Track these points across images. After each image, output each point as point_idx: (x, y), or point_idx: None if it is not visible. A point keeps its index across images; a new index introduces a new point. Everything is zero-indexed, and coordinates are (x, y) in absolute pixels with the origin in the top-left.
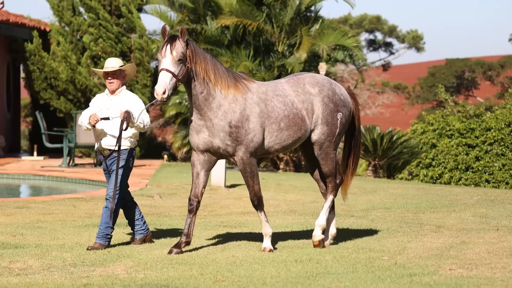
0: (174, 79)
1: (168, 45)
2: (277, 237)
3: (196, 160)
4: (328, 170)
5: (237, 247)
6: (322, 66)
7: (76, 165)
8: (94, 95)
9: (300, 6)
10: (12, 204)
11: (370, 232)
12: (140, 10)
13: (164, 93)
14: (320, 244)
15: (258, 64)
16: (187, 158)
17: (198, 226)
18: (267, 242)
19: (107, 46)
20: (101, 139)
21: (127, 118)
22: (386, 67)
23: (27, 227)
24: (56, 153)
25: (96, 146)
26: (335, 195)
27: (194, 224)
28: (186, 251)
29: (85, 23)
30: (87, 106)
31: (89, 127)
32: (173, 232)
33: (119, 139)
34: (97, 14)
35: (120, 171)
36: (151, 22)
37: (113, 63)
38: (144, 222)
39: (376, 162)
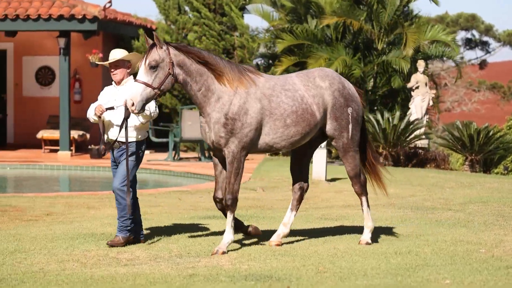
0: (149, 89)
1: (145, 55)
2: (377, 230)
3: (216, 159)
4: (351, 169)
5: (338, 240)
6: (421, 64)
7: (181, 159)
8: None
9: (399, 5)
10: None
11: (468, 225)
12: (242, 9)
13: (132, 105)
14: (367, 243)
15: (358, 61)
16: (289, 152)
17: (300, 219)
18: (222, 245)
19: (210, 43)
20: (109, 131)
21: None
22: (482, 65)
23: None
24: (162, 148)
25: (105, 138)
26: (366, 194)
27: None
28: (288, 243)
29: (190, 21)
30: (192, 102)
31: (96, 118)
32: (276, 224)
33: (122, 126)
34: (201, 13)
35: (129, 164)
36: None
37: (115, 54)
38: (132, 222)
39: (473, 157)
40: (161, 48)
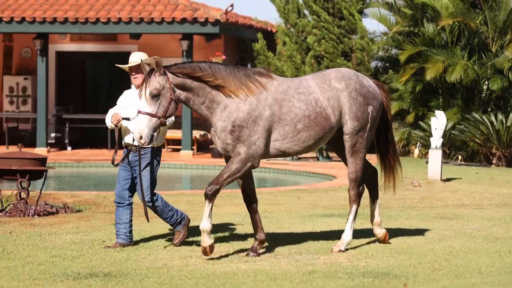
0: (154, 119)
1: (144, 84)
2: (490, 229)
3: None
4: (354, 170)
5: (453, 238)
6: None
7: (299, 158)
8: None
9: None
10: (240, 195)
11: None
12: (360, 12)
13: (141, 138)
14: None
15: (473, 63)
16: (405, 152)
17: (416, 218)
18: (203, 239)
19: (329, 46)
20: (125, 136)
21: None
22: None
23: None
24: None
25: (121, 143)
26: (358, 205)
27: (259, 219)
28: (405, 241)
29: (309, 24)
30: None
31: (113, 126)
32: (392, 223)
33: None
34: (320, 16)
35: (144, 171)
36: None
37: (135, 58)
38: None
39: None
40: (161, 74)
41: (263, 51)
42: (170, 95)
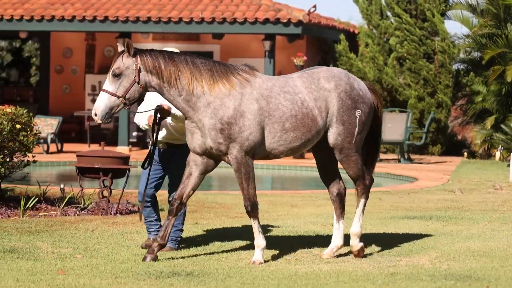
0: (113, 98)
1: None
2: None
3: (192, 160)
4: (353, 173)
5: None
6: None
7: (381, 160)
8: (399, 95)
9: None
10: (322, 196)
11: None
12: (443, 14)
13: (95, 115)
14: (360, 253)
15: None
16: (486, 156)
17: (498, 221)
18: (257, 254)
19: (412, 48)
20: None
21: (162, 111)
22: None
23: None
24: None
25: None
26: (366, 198)
27: (171, 227)
28: (486, 244)
29: (391, 26)
30: (393, 105)
31: (147, 127)
32: (474, 225)
33: (153, 130)
34: (402, 18)
35: (178, 168)
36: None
37: None
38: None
39: None
40: (129, 55)
41: (345, 52)
42: (135, 76)
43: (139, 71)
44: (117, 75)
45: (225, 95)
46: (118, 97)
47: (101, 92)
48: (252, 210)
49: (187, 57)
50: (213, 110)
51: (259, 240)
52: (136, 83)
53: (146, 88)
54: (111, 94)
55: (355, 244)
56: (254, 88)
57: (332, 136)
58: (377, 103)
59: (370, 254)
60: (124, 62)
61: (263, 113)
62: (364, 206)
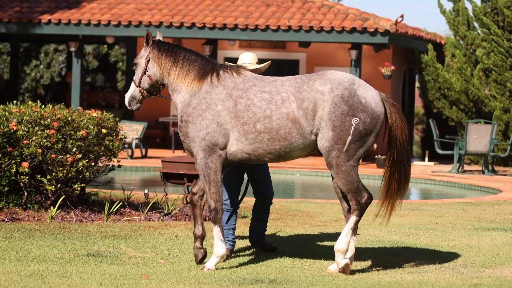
0: (133, 86)
1: None
2: None
3: None
4: (342, 185)
5: None
6: None
7: (465, 171)
8: (485, 106)
9: None
10: (406, 206)
11: None
12: None
13: (128, 104)
14: (346, 270)
15: None
16: None
17: None
18: (211, 261)
19: (498, 60)
20: None
21: None
22: None
23: (419, 228)
24: (447, 160)
25: None
26: (358, 216)
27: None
28: None
29: (478, 37)
30: (478, 116)
31: None
32: None
33: None
34: (489, 29)
35: (259, 174)
36: None
37: (250, 59)
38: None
39: None
40: (147, 45)
41: (432, 62)
42: (145, 66)
43: (148, 61)
44: (135, 64)
45: (193, 93)
46: (136, 85)
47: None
48: (212, 214)
49: (187, 53)
50: (181, 107)
51: (217, 248)
52: (144, 73)
53: (155, 80)
54: (133, 82)
55: (339, 261)
56: (225, 88)
57: (320, 141)
58: (391, 115)
59: (454, 264)
60: (141, 53)
61: (227, 114)
62: (355, 224)
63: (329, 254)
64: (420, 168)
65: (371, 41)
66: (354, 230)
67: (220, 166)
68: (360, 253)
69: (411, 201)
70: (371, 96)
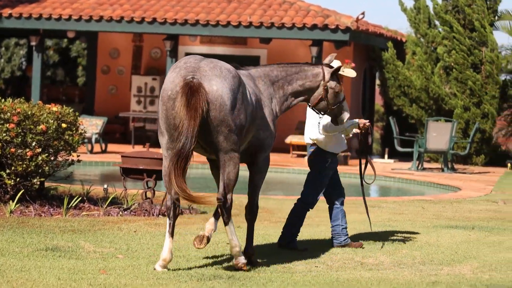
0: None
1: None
2: None
3: None
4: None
5: None
6: None
7: (424, 169)
8: (445, 104)
9: None
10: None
11: None
12: (491, 25)
13: None
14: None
15: None
16: None
17: None
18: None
19: (459, 58)
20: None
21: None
22: None
23: (378, 225)
24: (406, 157)
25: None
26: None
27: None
28: None
29: (439, 35)
30: (438, 114)
31: (353, 132)
32: None
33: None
34: (451, 27)
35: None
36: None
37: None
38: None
39: None
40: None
41: (393, 60)
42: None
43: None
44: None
45: None
46: None
47: None
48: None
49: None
50: None
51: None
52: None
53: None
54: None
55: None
56: None
57: None
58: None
59: (412, 262)
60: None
61: None
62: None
63: (288, 251)
64: (380, 166)
65: (332, 38)
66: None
67: None
68: (319, 250)
69: (370, 198)
70: (168, 78)
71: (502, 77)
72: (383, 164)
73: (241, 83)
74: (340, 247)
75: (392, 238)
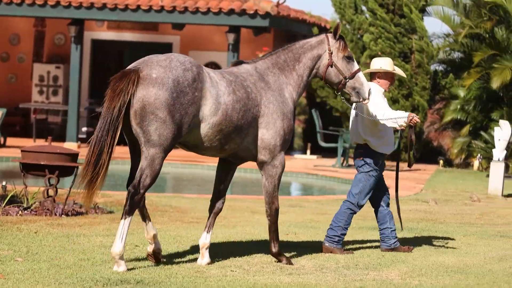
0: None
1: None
2: None
3: None
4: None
5: None
6: None
7: (349, 165)
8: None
9: None
10: (285, 202)
11: None
12: (422, 11)
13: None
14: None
15: None
16: (464, 164)
17: (474, 235)
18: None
19: (386, 46)
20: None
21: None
22: None
23: (299, 226)
24: (329, 153)
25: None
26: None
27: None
28: (461, 260)
29: (366, 22)
30: None
31: (402, 126)
32: (448, 240)
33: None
34: (376, 14)
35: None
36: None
37: (378, 64)
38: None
39: None
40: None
41: None
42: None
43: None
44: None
45: None
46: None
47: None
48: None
49: None
50: None
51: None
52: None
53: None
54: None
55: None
56: None
57: None
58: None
59: (336, 266)
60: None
61: None
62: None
63: (199, 253)
64: (301, 162)
65: (250, 24)
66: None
67: None
68: (234, 252)
69: (290, 197)
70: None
71: (433, 66)
72: (305, 161)
73: (198, 78)
74: (389, 250)
75: (314, 240)
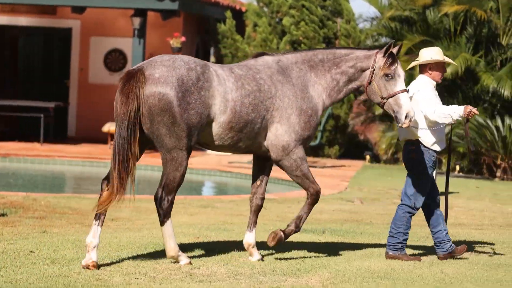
0: None
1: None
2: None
3: None
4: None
5: (447, 263)
6: None
7: None
8: None
9: None
10: (196, 202)
11: None
12: None
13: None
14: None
15: (479, 58)
16: (393, 160)
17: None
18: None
19: (310, 30)
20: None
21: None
22: None
23: (212, 229)
24: None
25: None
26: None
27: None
28: (390, 265)
29: (286, 4)
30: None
31: (456, 119)
32: (375, 242)
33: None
34: None
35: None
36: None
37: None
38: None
39: None
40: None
41: (231, 33)
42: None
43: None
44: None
45: None
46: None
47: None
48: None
49: None
50: None
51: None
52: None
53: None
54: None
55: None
56: None
57: None
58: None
59: (251, 272)
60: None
61: None
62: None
63: (101, 258)
64: (215, 158)
65: (158, 7)
66: None
67: None
68: (139, 258)
69: (202, 196)
70: None
71: None
72: (218, 157)
73: (203, 77)
74: (448, 256)
75: (227, 244)
